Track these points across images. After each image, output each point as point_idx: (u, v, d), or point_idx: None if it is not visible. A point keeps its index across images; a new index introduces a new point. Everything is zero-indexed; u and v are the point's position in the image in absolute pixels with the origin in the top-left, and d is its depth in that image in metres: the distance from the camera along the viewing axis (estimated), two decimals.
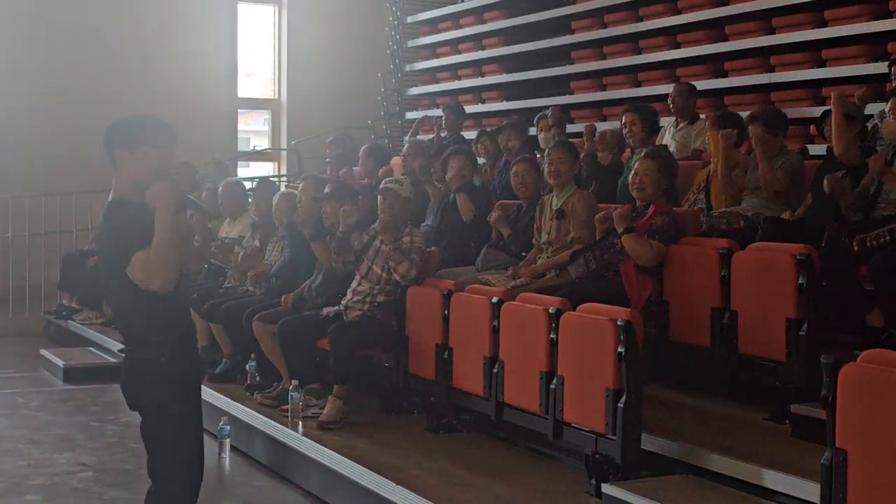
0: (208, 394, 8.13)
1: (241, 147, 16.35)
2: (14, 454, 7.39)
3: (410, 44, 14.89)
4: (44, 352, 10.75)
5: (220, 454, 7.36)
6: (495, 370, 6.29)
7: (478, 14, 13.88)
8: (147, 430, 4.43)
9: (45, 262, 12.86)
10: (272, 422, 7.21)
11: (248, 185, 10.98)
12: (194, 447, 4.49)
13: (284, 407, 7.26)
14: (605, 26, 12.04)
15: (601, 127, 9.54)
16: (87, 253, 12.04)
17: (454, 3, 14.45)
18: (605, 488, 5.39)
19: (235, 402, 7.77)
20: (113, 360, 10.19)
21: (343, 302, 7.37)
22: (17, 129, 13.97)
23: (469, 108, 12.45)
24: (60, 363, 10.15)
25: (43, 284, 12.80)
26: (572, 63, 12.45)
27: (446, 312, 6.78)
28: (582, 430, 5.65)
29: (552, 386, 5.79)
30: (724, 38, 10.65)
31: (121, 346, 9.92)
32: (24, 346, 11.59)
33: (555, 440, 5.91)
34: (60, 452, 7.46)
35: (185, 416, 4.43)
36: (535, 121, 9.37)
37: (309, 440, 6.73)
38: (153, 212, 4.21)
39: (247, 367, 8.24)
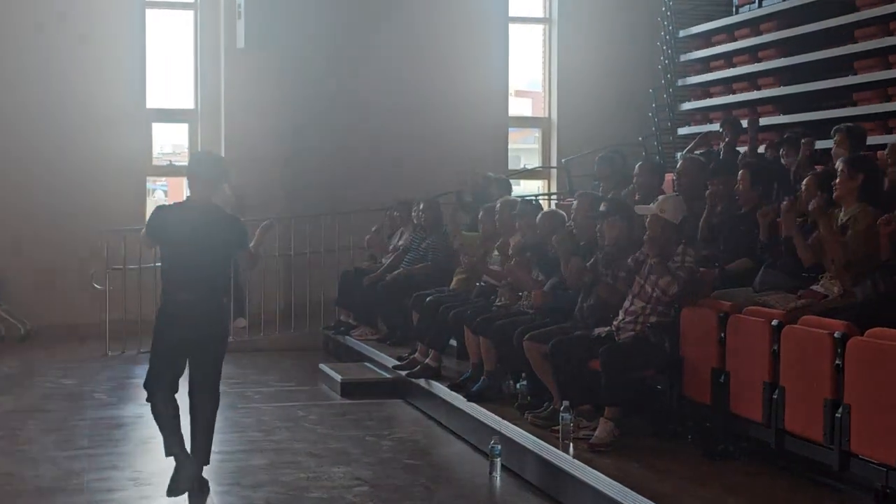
0: (479, 412, 8.21)
1: (510, 165, 16.42)
2: (295, 466, 7.64)
3: (683, 58, 14.60)
4: (322, 366, 11.11)
5: (491, 473, 7.38)
6: (775, 396, 6.03)
7: (753, 25, 13.46)
8: (216, 356, 6.91)
9: (326, 279, 13.32)
10: (543, 442, 7.16)
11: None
12: None
13: (555, 428, 7.19)
14: (890, 34, 11.42)
15: (888, 140, 9.05)
16: (363, 271, 12.39)
17: (728, 16, 14.08)
18: None
19: (506, 422, 7.76)
20: (388, 375, 10.42)
21: (615, 322, 7.26)
22: (300, 151, 14.57)
23: (744, 123, 12.09)
24: (338, 378, 10.45)
25: (323, 301, 13.26)
26: (854, 73, 11.89)
27: (723, 335, 6.57)
28: (871, 462, 5.34)
29: (837, 415, 5.51)
30: None
31: (395, 359, 10.18)
32: (305, 360, 12.02)
33: (840, 472, 5.61)
34: (337, 466, 7.66)
35: None
36: (831, 133, 8.98)
37: (580, 462, 6.64)
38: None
39: (517, 385, 8.24)
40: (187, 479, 6.84)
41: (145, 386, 6.90)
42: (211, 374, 6.94)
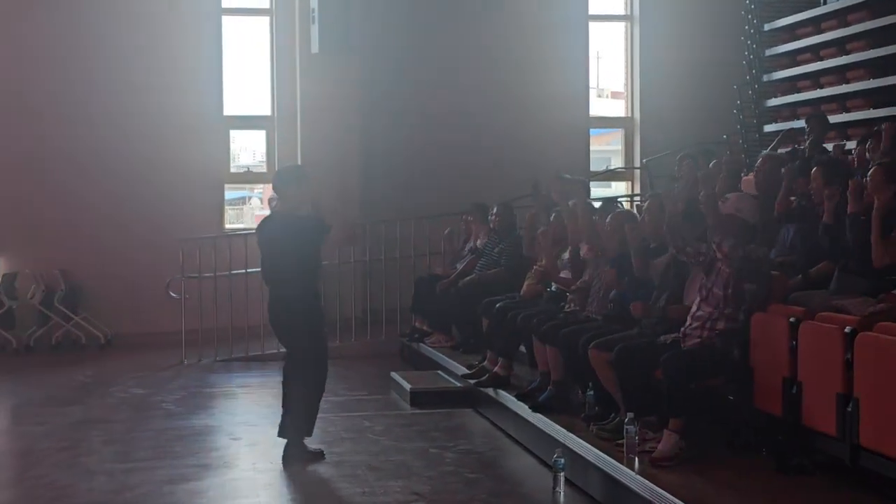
0: (544, 423, 7.89)
1: (596, 166, 16.03)
2: (352, 480, 7.39)
3: (768, 52, 14.08)
4: (394, 374, 10.87)
5: (554, 488, 7.02)
6: (849, 409, 5.62)
7: (840, 16, 12.90)
8: (301, 343, 7.95)
9: (402, 286, 13.08)
10: (606, 456, 6.80)
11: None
12: None
13: (620, 441, 6.85)
14: None
15: None
16: (438, 277, 12.13)
17: (815, 7, 13.53)
18: None
19: (571, 434, 7.42)
20: (458, 384, 10.14)
21: (682, 328, 6.89)
22: (375, 156, 14.42)
23: (832, 118, 11.59)
24: (408, 386, 10.20)
25: (399, 307, 13.03)
26: None
27: (794, 342, 6.17)
28: None
29: None
30: None
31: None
32: (379, 367, 11.76)
33: None
34: (396, 480, 7.39)
35: None
36: None
37: (642, 478, 6.28)
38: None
39: (586, 395, 7.91)
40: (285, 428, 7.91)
41: None
42: (300, 360, 7.94)
